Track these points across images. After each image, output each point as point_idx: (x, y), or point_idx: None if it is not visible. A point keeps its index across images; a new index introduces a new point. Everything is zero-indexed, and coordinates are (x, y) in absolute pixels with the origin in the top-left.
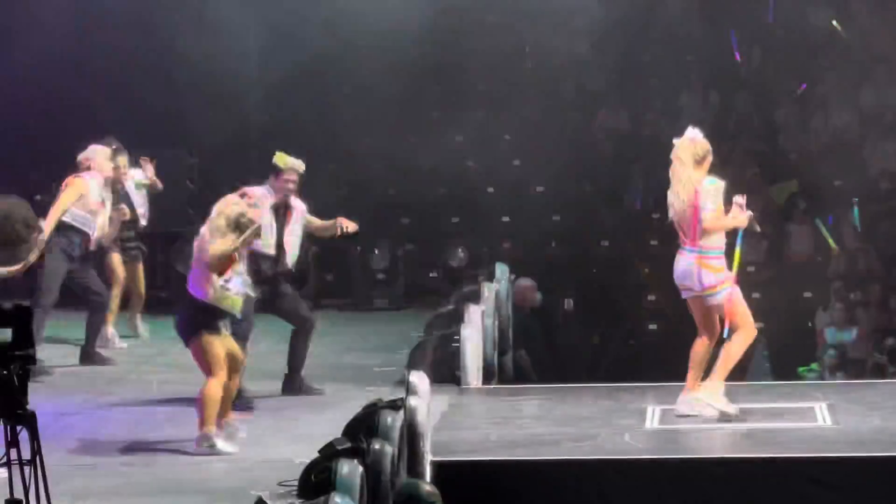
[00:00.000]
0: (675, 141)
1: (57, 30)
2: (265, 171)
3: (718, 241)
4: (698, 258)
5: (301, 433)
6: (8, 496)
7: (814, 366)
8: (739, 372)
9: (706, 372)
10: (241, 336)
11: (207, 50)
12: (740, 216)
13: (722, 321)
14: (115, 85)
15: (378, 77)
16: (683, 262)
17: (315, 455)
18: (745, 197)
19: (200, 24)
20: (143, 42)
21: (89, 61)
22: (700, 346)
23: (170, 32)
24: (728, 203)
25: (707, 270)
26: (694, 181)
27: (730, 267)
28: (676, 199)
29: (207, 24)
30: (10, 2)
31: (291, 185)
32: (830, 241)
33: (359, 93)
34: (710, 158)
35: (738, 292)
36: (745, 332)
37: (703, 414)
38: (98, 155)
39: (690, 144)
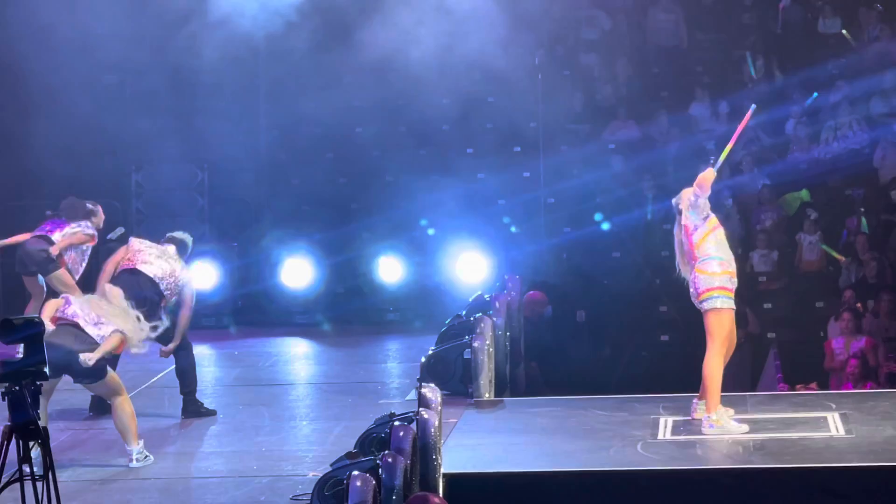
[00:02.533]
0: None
1: (66, 45)
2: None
3: (714, 250)
4: (696, 268)
5: (314, 447)
6: None
7: None
8: (751, 382)
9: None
10: None
11: (218, 65)
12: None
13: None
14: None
15: (388, 92)
16: (691, 280)
17: (328, 469)
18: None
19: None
20: (153, 57)
21: (100, 78)
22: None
23: (180, 47)
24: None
25: (703, 275)
26: (682, 227)
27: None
28: (679, 251)
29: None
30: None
31: None
32: (835, 254)
33: (369, 111)
34: (697, 200)
35: (727, 313)
36: (713, 351)
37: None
38: None
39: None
